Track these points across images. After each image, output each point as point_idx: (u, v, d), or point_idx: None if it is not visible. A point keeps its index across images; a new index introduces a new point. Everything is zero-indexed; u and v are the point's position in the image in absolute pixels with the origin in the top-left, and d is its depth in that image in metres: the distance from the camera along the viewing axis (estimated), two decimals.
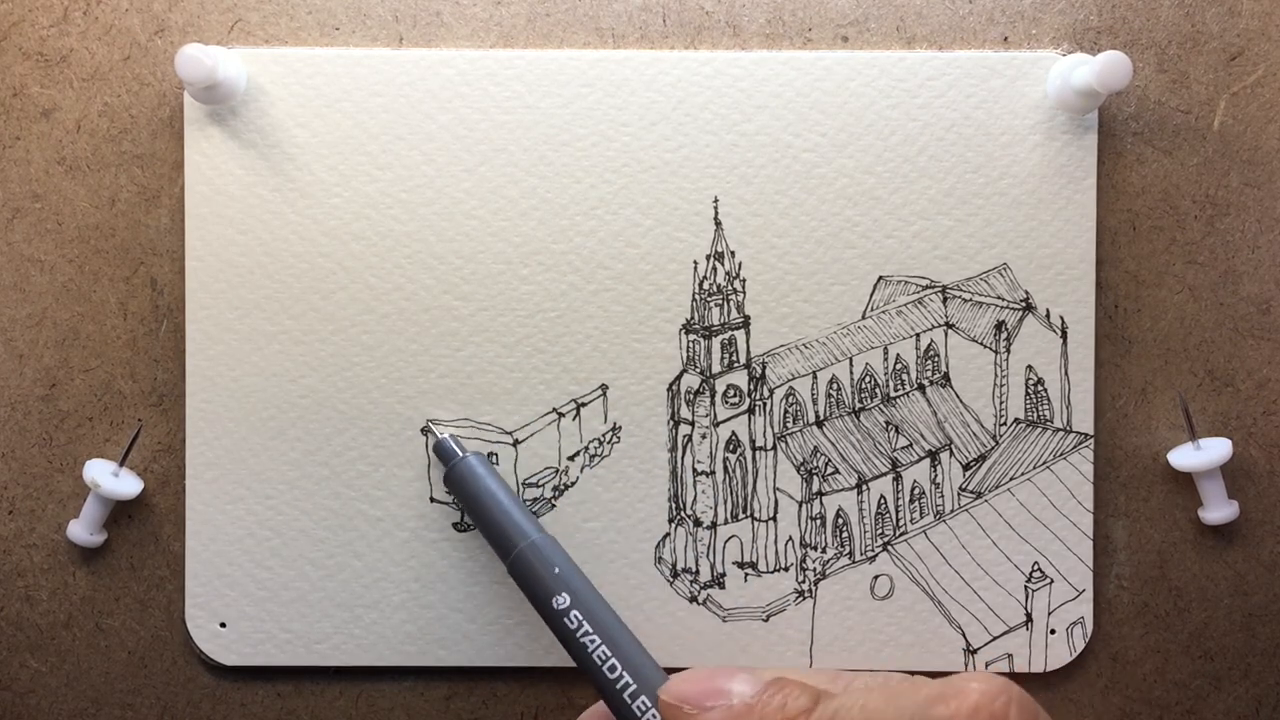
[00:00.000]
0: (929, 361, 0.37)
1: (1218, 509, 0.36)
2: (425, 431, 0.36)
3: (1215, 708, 0.37)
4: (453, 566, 0.36)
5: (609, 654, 0.30)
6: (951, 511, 0.37)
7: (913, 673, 0.29)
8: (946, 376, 0.37)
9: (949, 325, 0.37)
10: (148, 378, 0.37)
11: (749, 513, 0.37)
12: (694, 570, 0.37)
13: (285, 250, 0.36)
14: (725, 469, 0.37)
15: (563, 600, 0.31)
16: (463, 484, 0.34)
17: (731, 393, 0.37)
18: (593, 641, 0.31)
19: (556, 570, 0.32)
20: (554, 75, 0.36)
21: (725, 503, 0.37)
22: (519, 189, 0.36)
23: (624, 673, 0.30)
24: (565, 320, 0.36)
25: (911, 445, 0.37)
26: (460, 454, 0.35)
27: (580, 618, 0.31)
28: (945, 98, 0.36)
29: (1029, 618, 0.37)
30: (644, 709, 0.29)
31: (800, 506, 0.37)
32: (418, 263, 0.36)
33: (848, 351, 0.37)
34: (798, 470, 0.37)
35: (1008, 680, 0.24)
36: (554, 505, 0.36)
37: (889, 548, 0.37)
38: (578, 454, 0.37)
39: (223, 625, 0.36)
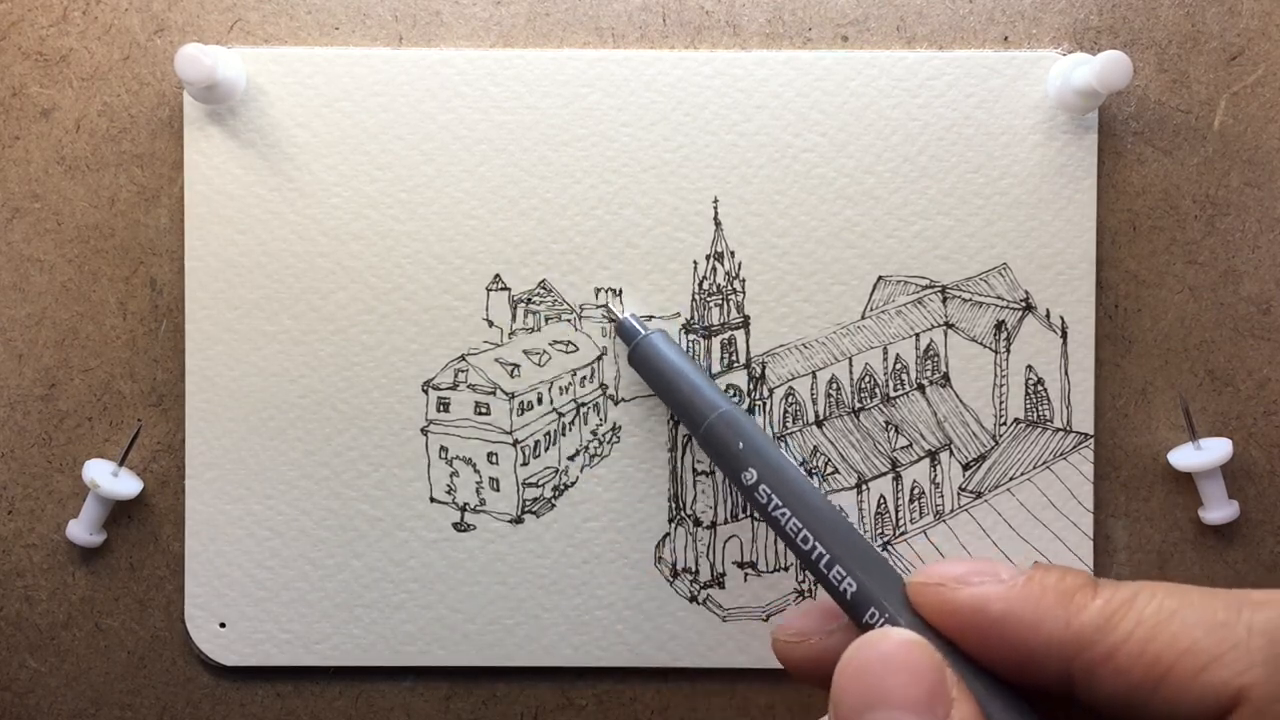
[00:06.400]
0: (929, 361, 0.37)
1: (1218, 509, 0.36)
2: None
3: None
4: (452, 566, 0.36)
5: (800, 525, 0.29)
6: (951, 511, 0.37)
7: None
8: (946, 376, 0.37)
9: (949, 325, 0.37)
10: (147, 377, 0.37)
11: (749, 513, 0.37)
12: (694, 570, 0.37)
13: (285, 250, 0.36)
14: None
15: (750, 475, 0.30)
16: (647, 361, 0.34)
17: (731, 393, 0.37)
18: (784, 515, 0.29)
19: (740, 446, 0.31)
20: (554, 75, 0.36)
21: (725, 503, 0.37)
22: (519, 189, 0.36)
23: (816, 543, 0.28)
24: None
25: (911, 445, 0.37)
26: (643, 331, 0.35)
27: (769, 492, 0.30)
28: (945, 97, 0.36)
29: None
30: (840, 577, 0.27)
31: None
32: (418, 263, 0.36)
33: (847, 351, 0.37)
34: None
35: None
36: (554, 505, 0.36)
37: (889, 548, 0.37)
38: (578, 454, 0.37)
39: (222, 625, 0.36)
